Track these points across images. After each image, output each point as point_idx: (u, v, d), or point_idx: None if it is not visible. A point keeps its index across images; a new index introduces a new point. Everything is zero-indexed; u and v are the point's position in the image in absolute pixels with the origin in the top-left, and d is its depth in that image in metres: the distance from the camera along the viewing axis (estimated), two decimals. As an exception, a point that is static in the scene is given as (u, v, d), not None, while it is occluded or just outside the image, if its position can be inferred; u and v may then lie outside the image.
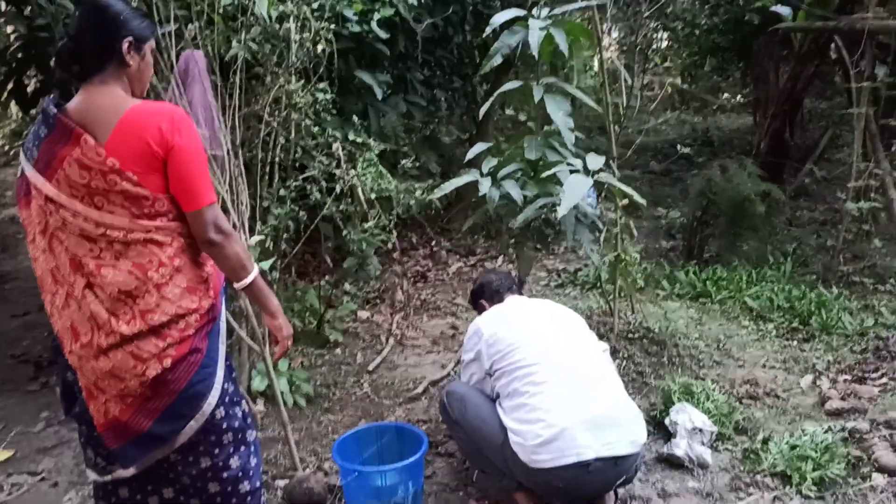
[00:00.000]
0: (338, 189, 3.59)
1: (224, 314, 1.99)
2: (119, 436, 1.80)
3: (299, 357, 3.96)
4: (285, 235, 3.55)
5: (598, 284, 4.52)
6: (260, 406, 3.35)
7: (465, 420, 2.53)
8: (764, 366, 3.78)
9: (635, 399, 3.11)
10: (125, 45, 1.78)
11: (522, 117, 7.18)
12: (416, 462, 2.53)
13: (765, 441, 2.94)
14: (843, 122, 7.08)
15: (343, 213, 3.68)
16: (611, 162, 3.69)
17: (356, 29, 4.07)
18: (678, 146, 5.58)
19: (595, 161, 3.15)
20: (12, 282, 5.55)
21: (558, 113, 3.21)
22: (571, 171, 3.08)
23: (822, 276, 4.97)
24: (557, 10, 3.32)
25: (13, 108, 6.24)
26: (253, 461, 2.02)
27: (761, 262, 5.24)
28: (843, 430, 2.98)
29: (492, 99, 3.55)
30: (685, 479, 2.77)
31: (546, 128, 3.49)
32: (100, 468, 1.91)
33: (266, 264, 3.02)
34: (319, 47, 3.41)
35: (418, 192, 3.74)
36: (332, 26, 3.52)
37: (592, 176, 3.08)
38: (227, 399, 1.91)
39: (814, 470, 2.68)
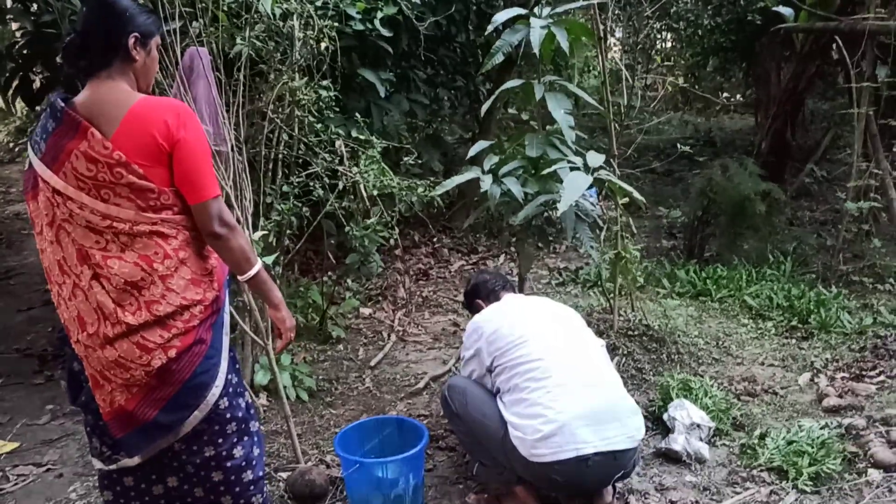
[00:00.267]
0: (340, 186, 3.62)
1: (227, 306, 2.03)
2: (125, 425, 1.84)
3: (302, 353, 3.99)
4: (288, 232, 3.58)
5: (599, 282, 4.54)
6: (263, 400, 3.38)
7: (465, 413, 2.56)
8: (762, 363, 3.81)
9: (634, 395, 3.13)
10: (131, 41, 1.81)
11: (525, 116, 7.20)
12: (416, 454, 2.55)
13: (762, 437, 2.96)
14: (845, 123, 7.09)
15: (346, 209, 3.70)
16: (611, 160, 3.72)
17: (359, 27, 4.08)
18: (679, 145, 5.59)
19: (595, 159, 3.17)
20: (17, 277, 5.58)
21: (559, 111, 3.24)
22: (571, 169, 3.11)
23: (821, 275, 4.98)
24: (559, 9, 3.35)
25: (18, 104, 6.26)
26: (256, 451, 2.05)
27: (761, 261, 5.26)
28: (839, 426, 3.00)
29: (494, 97, 3.58)
30: (683, 474, 2.79)
31: (548, 126, 3.52)
32: (105, 457, 1.95)
33: (269, 259, 3.05)
34: (323, 45, 3.44)
35: (420, 190, 3.76)
36: (336, 24, 3.55)
37: (592, 173, 3.11)
38: (230, 389, 1.95)
39: (810, 465, 2.70)
